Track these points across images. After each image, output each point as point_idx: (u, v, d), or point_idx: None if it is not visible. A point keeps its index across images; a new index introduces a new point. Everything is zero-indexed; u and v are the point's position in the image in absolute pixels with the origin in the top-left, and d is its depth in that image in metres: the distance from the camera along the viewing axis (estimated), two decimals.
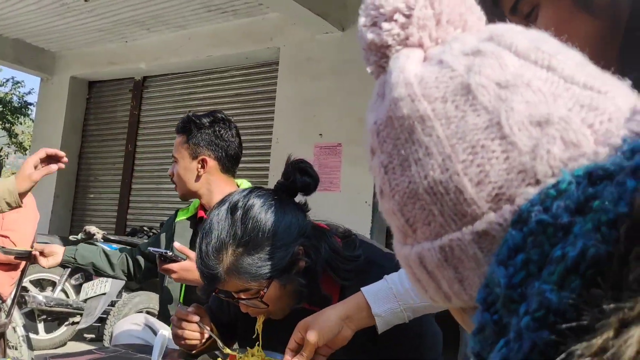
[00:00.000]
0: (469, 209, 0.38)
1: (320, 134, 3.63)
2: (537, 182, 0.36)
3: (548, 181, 0.35)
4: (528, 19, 0.74)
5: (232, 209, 1.10)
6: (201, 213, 1.96)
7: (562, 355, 0.27)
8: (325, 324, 0.98)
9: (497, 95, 0.38)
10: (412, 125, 0.40)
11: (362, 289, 1.01)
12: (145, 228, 4.13)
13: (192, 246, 1.84)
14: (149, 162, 4.75)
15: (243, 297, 1.09)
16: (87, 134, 5.36)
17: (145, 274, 2.03)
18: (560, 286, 0.28)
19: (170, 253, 1.64)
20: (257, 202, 1.10)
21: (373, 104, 0.45)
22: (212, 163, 1.89)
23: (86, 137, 5.36)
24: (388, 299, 0.99)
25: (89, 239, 2.54)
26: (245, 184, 1.97)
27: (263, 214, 1.09)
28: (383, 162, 0.43)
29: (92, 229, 2.59)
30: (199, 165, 1.89)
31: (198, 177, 1.89)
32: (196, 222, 1.96)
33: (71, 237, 3.09)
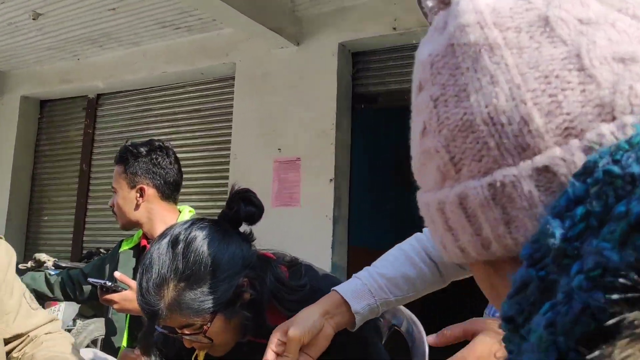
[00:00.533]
0: (532, 142, 0.35)
1: (279, 149, 3.62)
2: (613, 118, 0.34)
3: (624, 119, 0.33)
4: None
5: (174, 243, 1.06)
6: (144, 242, 1.97)
7: (613, 320, 0.25)
8: (308, 320, 0.96)
9: (578, 30, 0.36)
10: (478, 52, 0.38)
11: (334, 288, 1.01)
12: (102, 250, 4.03)
13: (135, 276, 1.84)
14: (105, 181, 4.66)
15: (186, 332, 1.05)
16: (40, 155, 5.21)
17: (89, 296, 2.03)
18: (621, 244, 0.27)
19: (110, 283, 1.64)
20: (199, 235, 1.07)
21: (428, 38, 0.43)
22: (150, 191, 1.91)
23: (39, 158, 5.21)
24: (364, 296, 1.00)
25: (39, 267, 2.47)
26: (186, 209, 1.98)
27: (205, 246, 1.05)
28: (433, 95, 0.41)
29: (42, 256, 2.52)
30: (138, 194, 1.91)
31: (137, 206, 1.91)
32: (139, 251, 1.96)
33: (20, 266, 3.00)
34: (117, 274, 1.66)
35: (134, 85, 4.60)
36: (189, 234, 1.07)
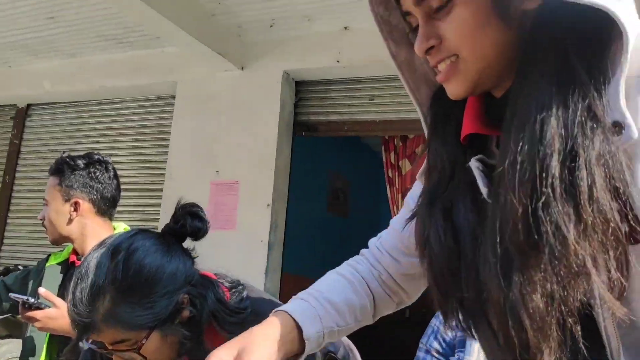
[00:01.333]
0: None
1: (217, 171, 3.59)
2: None
3: None
4: (437, 13, 0.72)
5: (114, 252, 1.02)
6: (73, 258, 1.90)
7: None
8: (266, 350, 0.81)
9: None
10: None
11: (284, 309, 0.88)
12: (20, 267, 3.82)
13: (60, 292, 1.78)
14: (29, 195, 4.44)
15: (119, 348, 1.00)
16: None
17: (9, 310, 1.93)
18: None
19: (33, 300, 1.57)
20: (142, 246, 1.03)
21: None
22: (86, 206, 1.86)
23: None
24: (315, 321, 0.88)
25: None
26: (121, 227, 1.94)
27: (148, 258, 1.02)
28: None
29: None
30: (72, 208, 1.85)
31: (70, 221, 1.85)
32: (67, 267, 1.89)
33: None
34: (41, 290, 1.58)
35: (68, 97, 4.45)
36: (131, 244, 1.03)
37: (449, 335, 1.73)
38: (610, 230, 0.59)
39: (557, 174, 0.60)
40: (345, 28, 3.46)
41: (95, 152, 1.98)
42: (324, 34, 3.50)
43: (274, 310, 0.89)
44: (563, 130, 0.61)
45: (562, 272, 0.60)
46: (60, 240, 1.84)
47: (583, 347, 0.63)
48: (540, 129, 0.62)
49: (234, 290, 1.14)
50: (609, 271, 0.60)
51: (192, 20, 3.28)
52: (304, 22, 3.46)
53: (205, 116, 3.74)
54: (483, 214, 0.71)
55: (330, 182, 5.24)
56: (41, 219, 1.86)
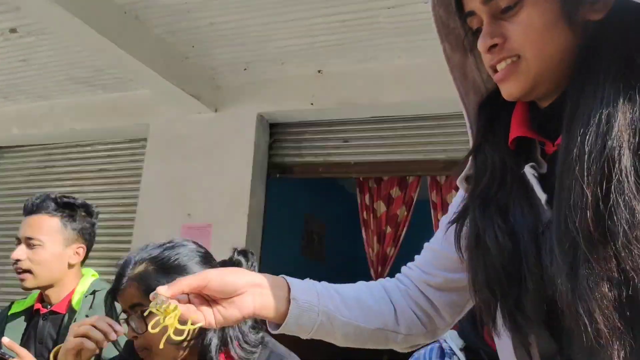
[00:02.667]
0: None
1: (189, 214, 3.52)
2: None
3: None
4: (503, 13, 0.74)
5: (165, 244, 1.25)
6: (38, 306, 1.80)
7: None
8: (229, 272, 0.82)
9: None
10: None
11: (282, 276, 0.88)
12: None
13: (24, 342, 1.69)
14: None
15: (133, 314, 1.17)
16: None
17: None
18: None
19: None
20: (189, 246, 1.26)
21: None
22: (82, 254, 1.80)
23: None
24: (310, 293, 0.86)
25: None
26: (89, 273, 1.87)
27: (187, 255, 1.23)
28: None
29: None
30: (73, 254, 1.77)
31: (70, 266, 1.77)
32: (31, 315, 1.80)
33: None
34: (5, 340, 1.49)
35: (37, 140, 4.37)
36: (182, 241, 1.27)
37: None
38: None
39: (628, 164, 0.62)
40: (319, 71, 3.48)
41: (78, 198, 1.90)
42: (297, 77, 3.52)
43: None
44: (630, 122, 0.64)
45: (636, 258, 0.61)
46: (45, 286, 1.74)
47: None
48: (607, 122, 0.64)
49: (255, 327, 1.26)
50: None
51: (165, 63, 3.28)
52: (277, 65, 3.48)
53: (178, 159, 3.69)
54: (538, 219, 0.73)
55: (305, 225, 5.19)
56: (16, 259, 1.69)
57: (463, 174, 0.88)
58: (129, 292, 1.20)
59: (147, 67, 3.13)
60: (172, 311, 0.76)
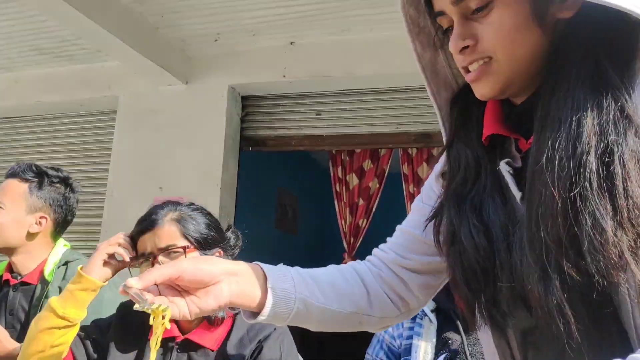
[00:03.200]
0: None
1: (161, 188, 3.49)
2: None
3: None
4: (474, 14, 0.74)
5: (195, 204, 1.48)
6: (7, 276, 1.77)
7: None
8: (203, 261, 0.80)
9: None
10: None
11: (256, 263, 0.87)
12: None
13: None
14: None
15: (165, 254, 1.31)
16: None
17: None
18: None
19: None
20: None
21: None
22: (48, 224, 1.75)
23: None
24: (286, 280, 0.85)
25: None
26: (61, 243, 1.84)
27: (214, 218, 1.47)
28: None
29: None
30: (34, 222, 1.73)
31: (29, 235, 1.73)
32: (1, 285, 1.77)
33: None
34: None
35: (1, 113, 4.26)
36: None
37: (395, 344, 1.72)
38: None
39: (594, 169, 0.64)
40: (291, 43, 3.45)
41: (65, 171, 1.86)
42: (269, 49, 3.48)
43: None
44: (598, 128, 0.65)
45: (601, 264, 0.62)
46: (3, 250, 1.72)
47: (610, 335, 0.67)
48: (577, 127, 0.66)
49: None
50: None
51: (135, 34, 3.20)
52: (249, 37, 3.44)
53: (148, 131, 3.64)
54: (513, 214, 0.75)
55: (278, 198, 5.20)
56: None
57: (439, 170, 0.89)
58: (168, 231, 1.34)
59: (116, 37, 3.05)
60: (162, 312, 0.72)
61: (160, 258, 1.32)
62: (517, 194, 0.75)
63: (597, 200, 0.63)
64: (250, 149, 3.64)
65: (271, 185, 4.99)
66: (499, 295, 0.75)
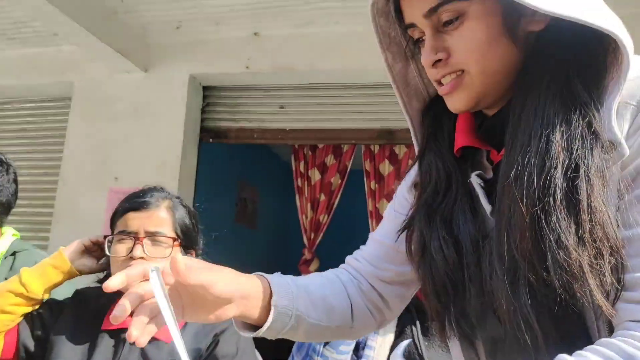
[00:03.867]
0: None
1: (116, 178, 3.39)
2: None
3: None
4: (445, 27, 0.74)
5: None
6: None
7: None
8: (231, 280, 0.76)
9: None
10: None
11: (260, 273, 0.85)
12: None
13: None
14: None
15: (152, 238, 1.33)
16: None
17: None
18: None
19: None
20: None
21: None
22: None
23: None
24: (287, 295, 0.83)
25: None
26: (9, 232, 1.76)
27: (197, 216, 1.48)
28: None
29: None
30: None
31: None
32: None
33: None
34: None
35: None
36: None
37: None
38: (607, 238, 0.64)
39: (559, 184, 0.65)
40: (255, 34, 3.39)
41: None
42: (233, 39, 3.41)
43: (253, 274, 0.85)
44: (566, 144, 0.66)
45: (564, 278, 0.63)
46: None
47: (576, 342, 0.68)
48: (546, 143, 0.66)
49: None
50: (604, 276, 0.64)
51: (93, 18, 3.09)
52: (212, 26, 3.36)
53: (105, 119, 3.52)
54: (483, 227, 0.76)
55: (239, 192, 5.13)
56: None
57: (411, 180, 0.90)
58: (160, 217, 1.35)
59: (73, 20, 2.93)
60: None
61: (145, 241, 1.31)
62: (488, 208, 0.76)
63: (560, 216, 0.64)
64: (211, 140, 3.56)
65: (231, 179, 4.91)
66: (468, 307, 0.76)
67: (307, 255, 3.68)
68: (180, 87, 3.43)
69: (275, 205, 5.82)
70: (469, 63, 0.73)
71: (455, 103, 0.77)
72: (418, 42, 0.81)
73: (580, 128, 0.66)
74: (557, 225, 0.64)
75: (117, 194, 3.35)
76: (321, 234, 3.66)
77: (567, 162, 0.65)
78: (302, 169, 3.75)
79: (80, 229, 3.24)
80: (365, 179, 3.59)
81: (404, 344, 1.57)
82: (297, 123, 3.44)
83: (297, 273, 4.02)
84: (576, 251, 0.63)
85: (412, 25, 0.78)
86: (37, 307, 1.36)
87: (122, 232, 1.34)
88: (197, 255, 1.45)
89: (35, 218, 3.60)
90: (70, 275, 1.38)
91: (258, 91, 3.52)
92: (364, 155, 3.61)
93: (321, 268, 3.74)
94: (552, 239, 0.64)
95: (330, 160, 3.69)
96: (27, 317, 1.35)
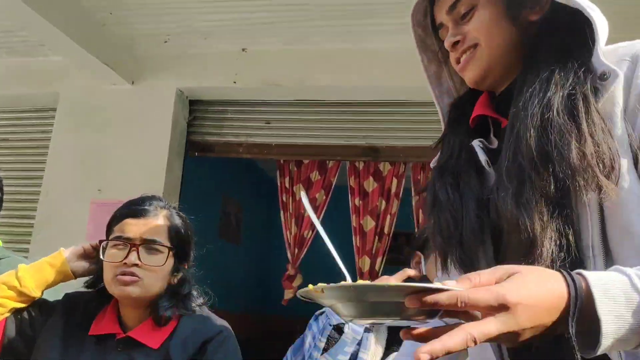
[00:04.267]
0: None
1: (99, 189, 3.36)
2: None
3: None
4: (462, 19, 0.96)
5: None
6: None
7: None
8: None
9: None
10: None
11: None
12: None
13: None
14: None
15: (147, 244, 1.34)
16: None
17: None
18: None
19: None
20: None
21: None
22: None
23: None
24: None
25: None
26: None
27: (193, 230, 1.54)
28: None
29: None
30: None
31: None
32: None
33: None
34: None
35: None
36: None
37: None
38: (603, 138, 0.77)
39: (559, 102, 0.81)
40: (243, 50, 3.41)
41: None
42: (221, 54, 3.43)
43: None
44: (564, 76, 0.83)
45: (568, 171, 0.77)
46: None
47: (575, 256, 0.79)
48: (547, 79, 0.84)
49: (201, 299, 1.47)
50: (604, 164, 0.76)
51: (81, 29, 3.08)
52: (200, 40, 3.37)
53: (89, 131, 3.50)
54: (484, 182, 0.92)
55: (223, 206, 5.11)
56: None
57: (435, 158, 1.06)
58: (159, 225, 1.37)
59: (60, 31, 2.92)
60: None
61: (140, 248, 1.32)
62: (483, 158, 0.92)
63: (562, 121, 0.79)
64: (196, 154, 3.56)
65: (216, 193, 4.90)
66: (465, 240, 0.90)
67: (290, 270, 3.67)
68: (167, 100, 3.42)
69: (259, 221, 5.80)
70: (480, 37, 0.93)
71: (469, 73, 0.96)
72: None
73: (575, 66, 0.83)
74: (560, 129, 0.79)
75: (100, 206, 3.32)
76: (305, 250, 3.65)
77: (565, 91, 0.81)
78: (287, 184, 3.75)
79: (61, 240, 3.20)
80: (349, 195, 3.60)
81: (392, 356, 1.58)
82: (283, 138, 3.45)
83: (280, 289, 3.99)
84: (578, 145, 0.77)
85: (441, 26, 1.00)
86: (27, 305, 1.35)
87: (118, 238, 1.34)
88: (188, 268, 1.45)
89: (16, 229, 3.55)
90: (64, 277, 1.38)
91: (245, 106, 3.53)
92: (348, 172, 3.62)
93: (304, 284, 3.72)
94: (556, 139, 0.79)
95: (315, 176, 3.69)
96: (17, 314, 1.34)
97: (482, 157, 0.92)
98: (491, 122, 0.99)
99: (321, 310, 1.58)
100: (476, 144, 0.94)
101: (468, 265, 0.90)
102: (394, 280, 1.52)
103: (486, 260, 0.89)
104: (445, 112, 1.08)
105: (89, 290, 1.45)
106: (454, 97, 1.09)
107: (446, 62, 1.08)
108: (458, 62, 0.98)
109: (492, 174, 0.91)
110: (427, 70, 1.09)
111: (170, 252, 1.37)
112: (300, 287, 3.72)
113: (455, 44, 0.96)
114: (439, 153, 1.05)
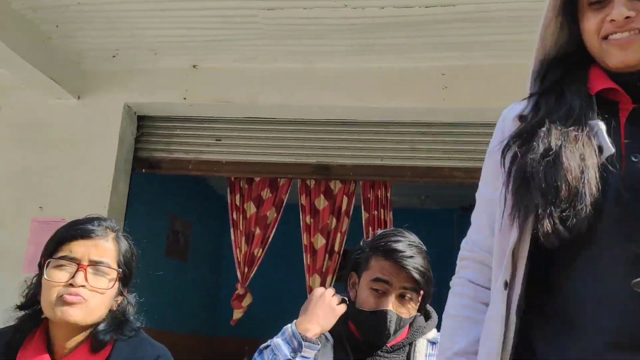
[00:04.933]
0: None
1: (41, 207, 3.24)
2: None
3: None
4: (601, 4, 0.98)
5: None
6: None
7: None
8: None
9: None
10: None
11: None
12: None
13: None
14: None
15: (95, 267, 1.30)
16: None
17: None
18: None
19: None
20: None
21: None
22: None
23: None
24: None
25: None
26: None
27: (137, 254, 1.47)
28: None
29: None
30: None
31: None
32: None
33: None
34: None
35: None
36: None
37: None
38: None
39: None
40: (194, 66, 3.39)
41: None
42: (171, 70, 3.39)
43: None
44: None
45: None
46: None
47: None
48: None
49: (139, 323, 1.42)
50: None
51: (25, 42, 2.99)
52: (150, 56, 3.32)
53: (32, 146, 3.38)
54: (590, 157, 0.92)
55: (170, 224, 5.01)
56: None
57: (517, 113, 1.05)
58: (107, 247, 1.34)
59: (3, 43, 2.83)
60: None
61: (89, 270, 1.29)
62: (608, 146, 0.91)
63: None
64: (144, 170, 3.48)
65: (163, 211, 4.80)
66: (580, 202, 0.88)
67: (240, 290, 3.62)
68: (114, 115, 3.35)
69: (208, 239, 5.72)
70: None
71: (629, 54, 0.94)
72: (590, 5, 1.00)
73: None
74: None
75: (41, 223, 3.20)
76: (255, 268, 3.62)
77: None
78: (237, 202, 3.72)
79: None
80: (300, 214, 3.60)
81: None
82: (234, 156, 3.43)
83: (229, 309, 3.92)
84: None
85: None
86: None
87: (64, 257, 1.29)
88: (129, 292, 1.42)
89: None
90: None
91: (194, 122, 3.50)
92: (299, 190, 3.63)
93: (254, 303, 3.68)
94: None
95: (266, 193, 3.68)
96: None
97: (607, 143, 0.92)
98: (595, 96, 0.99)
99: (265, 344, 1.54)
100: (602, 125, 0.94)
101: (574, 227, 0.88)
102: (328, 292, 1.59)
103: (604, 226, 0.89)
104: (538, 66, 1.07)
105: (5, 328, 1.36)
106: (559, 53, 1.07)
107: (561, 13, 1.05)
108: (605, 38, 0.97)
109: (610, 149, 0.90)
110: (545, 19, 1.06)
111: (117, 276, 1.34)
112: (249, 306, 3.68)
113: (626, 17, 0.94)
114: (519, 105, 1.07)
